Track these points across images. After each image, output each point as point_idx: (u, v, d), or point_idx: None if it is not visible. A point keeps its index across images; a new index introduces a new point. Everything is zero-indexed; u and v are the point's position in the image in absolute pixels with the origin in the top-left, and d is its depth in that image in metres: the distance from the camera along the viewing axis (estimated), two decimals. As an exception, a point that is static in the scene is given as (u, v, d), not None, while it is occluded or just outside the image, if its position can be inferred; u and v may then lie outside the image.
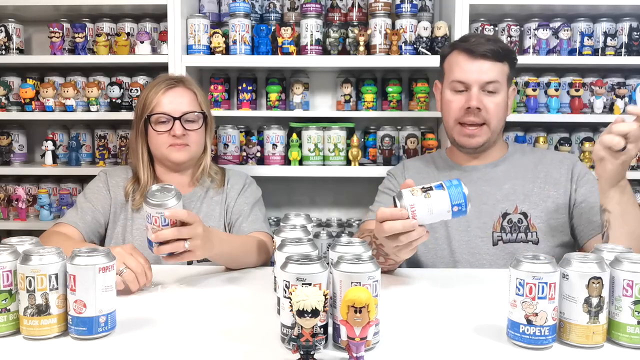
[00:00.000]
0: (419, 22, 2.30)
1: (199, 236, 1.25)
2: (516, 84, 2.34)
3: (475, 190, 1.58)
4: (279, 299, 1.03)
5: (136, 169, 1.70)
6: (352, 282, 0.90)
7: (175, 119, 1.62)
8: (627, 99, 2.32)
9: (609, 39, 2.28)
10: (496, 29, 2.33)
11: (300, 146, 2.35)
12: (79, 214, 1.62)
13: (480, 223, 1.58)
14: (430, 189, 1.16)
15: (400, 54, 2.29)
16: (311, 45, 2.30)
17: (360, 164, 2.34)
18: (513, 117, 2.29)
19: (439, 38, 2.25)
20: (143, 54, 2.32)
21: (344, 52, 2.36)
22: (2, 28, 2.35)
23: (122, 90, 2.36)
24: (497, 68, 1.56)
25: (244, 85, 2.42)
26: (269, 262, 1.56)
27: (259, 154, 2.41)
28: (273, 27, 2.34)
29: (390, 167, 1.98)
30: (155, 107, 1.64)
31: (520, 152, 1.70)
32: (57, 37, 2.33)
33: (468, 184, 1.56)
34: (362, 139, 2.46)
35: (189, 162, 1.69)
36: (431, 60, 2.26)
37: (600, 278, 0.92)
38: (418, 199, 1.15)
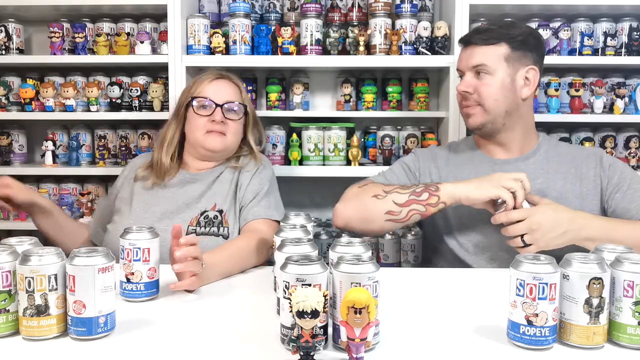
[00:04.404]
0: (419, 22, 2.30)
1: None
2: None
3: None
4: (278, 299, 1.03)
5: (158, 154, 1.71)
6: (352, 283, 0.90)
7: (217, 105, 1.67)
8: (627, 99, 2.32)
9: (609, 39, 2.28)
10: (496, 29, 2.32)
11: (300, 146, 2.35)
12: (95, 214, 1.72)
13: None
14: None
15: (400, 54, 2.29)
16: (311, 45, 2.30)
17: (360, 164, 2.34)
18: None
19: (439, 38, 2.25)
20: (143, 54, 2.31)
21: (344, 52, 2.35)
22: (2, 28, 2.35)
23: (122, 90, 2.36)
24: (486, 51, 1.57)
25: (244, 85, 2.41)
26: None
27: (259, 154, 2.41)
28: (273, 27, 2.33)
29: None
30: (200, 92, 1.70)
31: (547, 143, 1.69)
32: (57, 37, 2.33)
33: None
34: (362, 139, 2.46)
35: (222, 152, 1.71)
36: (431, 60, 2.26)
37: (600, 279, 0.92)
38: None
